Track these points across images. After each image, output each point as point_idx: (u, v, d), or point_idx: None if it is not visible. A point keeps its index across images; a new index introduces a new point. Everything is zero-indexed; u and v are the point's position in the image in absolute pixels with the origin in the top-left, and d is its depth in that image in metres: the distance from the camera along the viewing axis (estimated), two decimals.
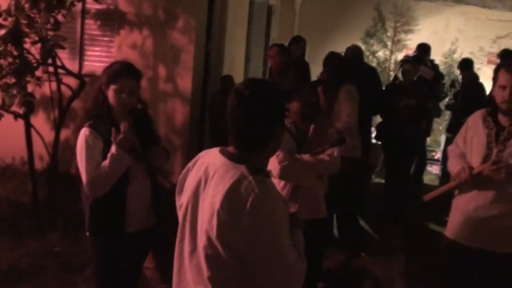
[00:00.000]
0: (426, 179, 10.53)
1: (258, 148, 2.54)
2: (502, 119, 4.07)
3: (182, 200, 2.72)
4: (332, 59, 6.69)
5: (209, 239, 2.45)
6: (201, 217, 2.54)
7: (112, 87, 3.91)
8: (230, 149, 2.59)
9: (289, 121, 4.69)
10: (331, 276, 5.94)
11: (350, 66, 7.13)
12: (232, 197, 2.39)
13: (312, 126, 4.63)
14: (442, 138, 10.82)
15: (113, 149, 3.79)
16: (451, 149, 4.45)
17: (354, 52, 8.00)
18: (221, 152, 2.61)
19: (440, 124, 11.56)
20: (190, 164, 2.77)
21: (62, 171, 7.45)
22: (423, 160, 10.14)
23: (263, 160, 2.62)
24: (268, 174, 2.57)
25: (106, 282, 4.13)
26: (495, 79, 4.12)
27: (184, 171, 2.79)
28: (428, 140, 10.98)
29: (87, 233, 4.07)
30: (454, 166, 4.26)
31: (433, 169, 11.48)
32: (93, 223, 4.00)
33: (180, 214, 2.74)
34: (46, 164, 7.54)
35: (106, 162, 3.80)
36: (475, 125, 4.21)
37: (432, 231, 4.48)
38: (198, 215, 2.58)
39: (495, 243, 4.05)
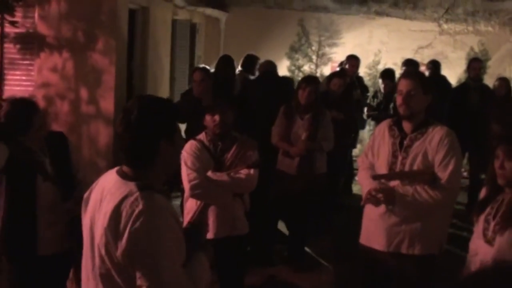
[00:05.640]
0: (355, 189, 10.65)
1: (144, 163, 2.56)
2: (406, 126, 4.21)
3: (85, 221, 2.70)
4: None
5: (101, 257, 2.46)
6: (96, 236, 2.54)
7: (32, 130, 3.89)
8: (124, 168, 2.60)
9: (207, 138, 4.75)
10: None
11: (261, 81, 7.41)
12: (117, 214, 2.41)
13: (234, 146, 4.70)
14: None
15: None
16: (360, 161, 4.58)
17: (267, 68, 8.12)
18: (117, 171, 2.64)
19: (366, 134, 11.74)
20: (93, 185, 2.76)
21: None
22: (350, 171, 10.27)
23: (155, 176, 2.61)
24: (160, 191, 2.56)
25: None
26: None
27: (87, 192, 2.77)
28: (357, 150, 11.14)
29: (2, 258, 4.02)
30: (362, 179, 4.40)
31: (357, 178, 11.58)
32: (5, 246, 3.95)
33: (84, 235, 2.72)
34: None
35: None
36: (381, 135, 4.35)
37: None
38: (94, 235, 2.57)
39: (403, 246, 4.20)
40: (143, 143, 2.53)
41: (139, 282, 2.39)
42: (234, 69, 8.56)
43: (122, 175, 2.58)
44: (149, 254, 2.38)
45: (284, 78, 8.62)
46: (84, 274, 2.68)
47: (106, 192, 2.55)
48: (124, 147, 2.56)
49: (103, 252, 2.44)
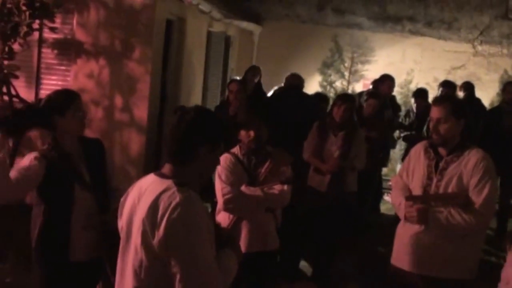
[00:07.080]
0: (383, 208, 10.60)
1: (181, 161, 2.74)
2: (441, 150, 4.19)
3: (122, 222, 2.85)
4: None
5: (136, 249, 2.65)
6: (133, 229, 2.71)
7: (69, 111, 3.92)
8: (163, 169, 2.82)
9: (241, 152, 4.78)
10: None
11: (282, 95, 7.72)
12: (155, 206, 2.59)
13: (268, 161, 4.72)
14: (398, 167, 10.92)
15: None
16: (394, 181, 4.56)
17: (290, 81, 8.23)
18: (155, 173, 2.83)
19: (397, 153, 11.68)
20: (129, 189, 2.92)
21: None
22: (379, 189, 10.22)
23: (190, 177, 2.77)
24: (195, 190, 2.72)
25: None
26: None
27: (124, 196, 2.94)
28: (385, 169, 11.08)
29: (35, 263, 4.04)
30: (395, 199, 4.38)
31: (390, 198, 11.49)
32: (40, 251, 3.98)
33: (121, 236, 2.87)
34: None
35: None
36: (416, 156, 4.33)
37: (388, 260, 4.53)
38: (132, 229, 2.74)
39: (434, 268, 4.16)
40: (188, 141, 2.72)
41: (174, 269, 2.54)
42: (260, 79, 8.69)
43: (160, 175, 2.77)
44: (185, 242, 2.54)
45: (307, 95, 8.59)
46: (118, 273, 2.83)
47: (144, 190, 2.73)
48: (170, 141, 2.76)
49: (138, 242, 2.62)
